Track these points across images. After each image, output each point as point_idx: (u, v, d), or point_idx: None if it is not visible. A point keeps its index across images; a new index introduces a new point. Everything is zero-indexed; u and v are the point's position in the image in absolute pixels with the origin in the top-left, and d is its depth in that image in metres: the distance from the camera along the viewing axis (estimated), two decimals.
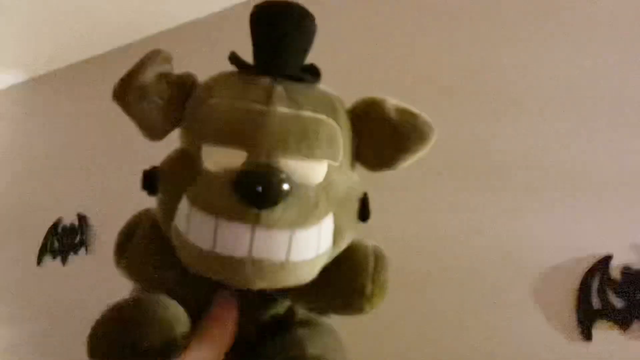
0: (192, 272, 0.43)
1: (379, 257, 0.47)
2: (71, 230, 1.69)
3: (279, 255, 0.41)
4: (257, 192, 0.40)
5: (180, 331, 0.42)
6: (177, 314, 0.43)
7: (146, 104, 0.44)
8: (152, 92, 0.44)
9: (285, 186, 0.41)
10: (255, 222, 0.40)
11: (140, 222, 0.49)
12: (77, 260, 1.65)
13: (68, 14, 1.35)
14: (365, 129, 0.47)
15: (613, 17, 0.95)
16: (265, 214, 0.40)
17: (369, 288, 0.46)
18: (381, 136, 0.46)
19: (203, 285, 0.45)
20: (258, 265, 0.41)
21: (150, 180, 0.46)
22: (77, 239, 1.67)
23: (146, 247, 0.48)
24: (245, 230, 0.40)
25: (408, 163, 0.47)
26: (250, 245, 0.40)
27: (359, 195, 0.47)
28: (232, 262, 0.41)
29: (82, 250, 1.64)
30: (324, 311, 0.49)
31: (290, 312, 0.48)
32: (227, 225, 0.40)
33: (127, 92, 0.44)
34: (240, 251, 0.40)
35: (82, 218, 1.67)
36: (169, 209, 0.44)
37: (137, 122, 0.45)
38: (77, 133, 1.77)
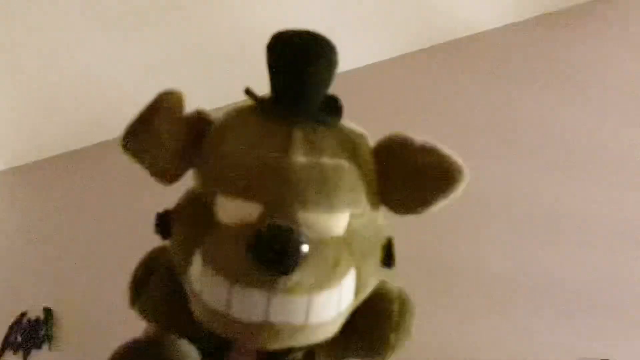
0: (205, 327, 0.42)
1: (403, 303, 0.46)
2: (36, 324, 1.63)
3: (297, 319, 0.40)
4: (275, 256, 0.38)
5: None
6: (188, 352, 0.44)
7: (158, 150, 0.43)
8: (165, 138, 0.43)
9: (305, 248, 0.39)
10: (271, 288, 0.39)
11: (157, 262, 0.48)
12: (39, 355, 1.59)
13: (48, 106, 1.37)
14: (390, 169, 0.45)
15: None
16: (282, 280, 0.39)
17: (393, 337, 0.46)
18: (406, 177, 0.44)
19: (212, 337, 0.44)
20: (276, 329, 0.40)
21: (164, 224, 0.45)
22: (42, 333, 1.62)
23: (162, 292, 0.47)
24: (262, 297, 0.39)
25: (436, 207, 0.44)
26: (267, 310, 0.39)
27: (383, 241, 0.46)
28: (248, 327, 0.40)
29: (46, 346, 1.59)
30: (345, 357, 0.49)
31: (310, 356, 0.48)
32: (243, 291, 0.39)
33: (136, 138, 0.42)
34: (256, 316, 0.40)
35: (48, 311, 1.63)
36: (182, 259, 0.44)
37: (148, 169, 0.45)
38: (46, 225, 1.76)
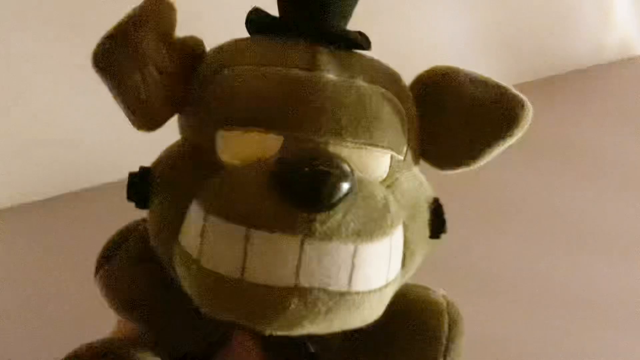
0: (205, 313, 0.31)
1: (454, 321, 0.37)
2: None
3: (338, 282, 0.29)
4: (309, 188, 0.28)
5: None
6: None
7: (140, 76, 0.32)
8: (149, 61, 0.32)
9: (349, 176, 0.29)
10: (306, 232, 0.28)
11: (135, 228, 0.38)
12: None
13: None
14: (434, 107, 0.35)
15: None
16: (320, 219, 0.28)
17: None
18: (455, 117, 0.35)
19: (207, 327, 0.34)
20: (309, 298, 0.28)
21: (139, 187, 0.33)
22: None
23: (134, 258, 0.37)
24: (292, 246, 0.28)
25: (492, 156, 0.35)
26: (298, 267, 0.28)
27: (430, 201, 0.35)
28: (270, 295, 0.28)
29: None
30: None
31: None
32: (266, 238, 0.28)
33: (115, 58, 0.31)
34: (284, 277, 0.28)
35: None
36: (170, 222, 0.32)
37: (124, 102, 0.32)
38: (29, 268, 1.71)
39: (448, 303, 0.38)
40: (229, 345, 0.34)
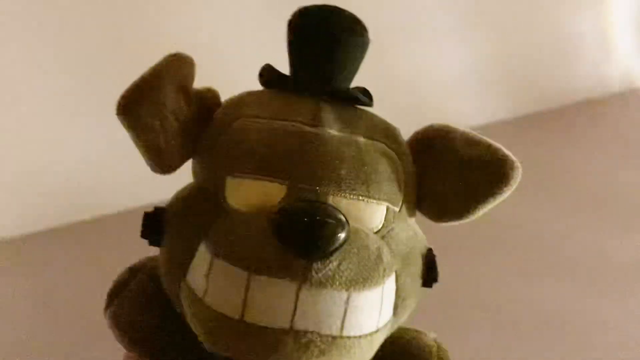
0: (208, 349, 0.33)
1: (442, 355, 0.39)
2: None
3: (331, 327, 0.31)
4: (307, 237, 0.30)
5: None
6: None
7: (159, 124, 0.35)
8: (168, 110, 0.35)
9: (345, 227, 0.31)
10: (302, 278, 0.30)
11: (144, 266, 0.40)
12: None
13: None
14: (430, 164, 0.37)
15: None
16: (316, 267, 0.30)
17: None
18: (449, 174, 0.36)
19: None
20: (303, 340, 0.30)
21: (153, 225, 0.36)
22: None
23: (143, 295, 0.39)
24: (289, 291, 0.30)
25: (483, 211, 0.37)
26: (294, 311, 0.30)
27: (423, 251, 0.37)
28: (267, 336, 0.30)
29: None
30: None
31: None
32: (265, 282, 0.30)
33: (138, 106, 0.34)
34: (280, 320, 0.30)
35: None
36: (179, 261, 0.34)
37: (144, 147, 0.35)
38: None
39: (438, 347, 0.40)
40: None
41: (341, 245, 0.31)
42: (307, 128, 0.34)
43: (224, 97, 0.39)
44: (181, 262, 0.34)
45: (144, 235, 0.36)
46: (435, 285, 0.38)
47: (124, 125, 0.34)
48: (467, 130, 0.37)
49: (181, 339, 0.36)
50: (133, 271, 0.40)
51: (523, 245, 0.81)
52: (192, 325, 0.33)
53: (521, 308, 0.72)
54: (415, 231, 0.38)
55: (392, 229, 0.35)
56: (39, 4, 0.77)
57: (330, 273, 0.30)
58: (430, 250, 0.38)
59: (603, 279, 0.78)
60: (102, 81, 0.73)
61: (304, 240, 0.30)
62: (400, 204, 0.36)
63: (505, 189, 0.35)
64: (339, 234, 0.31)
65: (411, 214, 0.38)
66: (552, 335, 0.70)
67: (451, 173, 0.36)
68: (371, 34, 0.38)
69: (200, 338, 0.33)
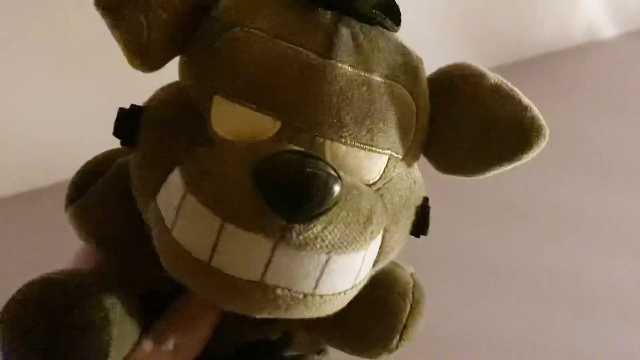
0: (171, 275, 0.30)
1: (417, 300, 0.37)
2: None
3: (304, 286, 0.28)
4: (293, 194, 0.26)
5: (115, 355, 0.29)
6: (122, 333, 0.30)
7: (144, 17, 0.30)
8: (156, 3, 0.30)
9: (336, 188, 0.27)
10: (280, 237, 0.27)
11: (114, 159, 0.36)
12: None
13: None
14: (449, 110, 0.33)
15: None
16: (298, 229, 0.27)
17: (395, 341, 0.36)
18: (468, 125, 0.33)
19: None
20: (271, 294, 0.28)
21: (128, 124, 0.32)
22: None
23: (112, 191, 0.35)
24: (263, 247, 0.27)
25: (493, 173, 0.34)
26: (266, 267, 0.27)
27: (419, 200, 0.34)
28: (233, 285, 0.28)
29: None
30: (325, 344, 0.39)
31: (284, 339, 0.37)
32: (238, 234, 0.27)
33: (120, 1, 0.29)
34: (250, 272, 0.28)
35: None
36: (150, 177, 0.31)
37: (125, 42, 0.31)
38: None
39: (413, 279, 0.38)
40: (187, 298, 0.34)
41: (329, 209, 0.27)
42: (315, 58, 0.30)
43: None
44: (152, 180, 0.30)
45: (116, 133, 0.32)
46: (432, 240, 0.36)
47: (101, 16, 0.30)
48: (499, 78, 0.33)
49: (148, 243, 0.32)
50: (101, 166, 0.36)
51: (486, 195, 0.80)
52: (157, 250, 0.30)
53: (517, 267, 0.71)
54: (415, 179, 0.34)
55: (391, 179, 0.32)
56: None
57: (311, 236, 0.27)
58: (426, 199, 0.35)
59: (573, 227, 0.78)
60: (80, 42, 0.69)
61: (288, 199, 0.26)
62: (405, 151, 0.32)
63: (524, 155, 0.32)
64: (329, 197, 0.27)
65: (416, 158, 0.35)
66: (558, 295, 0.70)
67: (470, 126, 0.33)
68: None
69: (164, 266, 0.30)
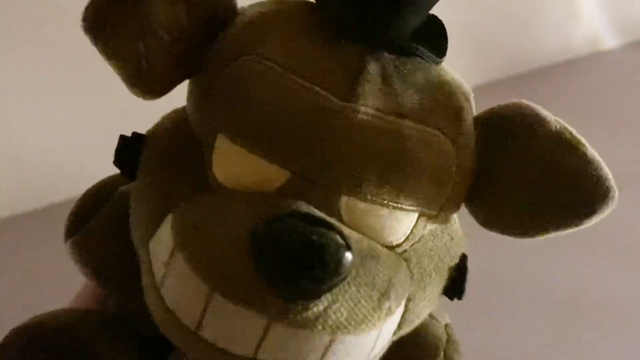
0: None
1: (451, 357, 0.33)
2: None
3: None
4: (294, 266, 0.22)
5: None
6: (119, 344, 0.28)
7: (142, 45, 0.26)
8: (155, 23, 0.26)
9: (347, 258, 0.23)
10: (276, 316, 0.23)
11: (113, 189, 0.34)
12: None
13: None
14: (497, 160, 0.28)
15: None
16: (296, 310, 0.23)
17: None
18: (522, 183, 0.27)
19: None
20: None
21: (129, 154, 0.29)
22: None
23: (112, 226, 0.32)
24: (256, 325, 0.23)
25: (555, 234, 0.28)
26: (260, 343, 0.23)
27: (455, 260, 0.29)
28: (222, 356, 0.24)
29: None
30: None
31: None
32: (228, 307, 0.23)
33: (111, 19, 0.25)
34: (241, 347, 0.24)
35: None
36: (146, 220, 0.28)
37: (122, 69, 0.27)
38: None
39: (448, 339, 0.34)
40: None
41: (334, 285, 0.23)
42: (334, 101, 0.25)
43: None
44: (149, 222, 0.27)
45: (117, 162, 0.29)
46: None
47: (91, 42, 0.26)
48: (562, 122, 0.28)
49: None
50: (101, 196, 0.34)
51: None
52: (146, 298, 0.27)
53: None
54: (452, 234, 0.30)
55: (421, 239, 0.28)
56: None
57: (312, 317, 0.23)
58: (463, 258, 0.30)
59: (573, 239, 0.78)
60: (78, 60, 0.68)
61: (288, 274, 0.22)
62: (439, 206, 0.27)
63: (587, 221, 0.27)
64: (334, 272, 0.23)
65: (453, 212, 0.29)
66: (566, 313, 0.69)
67: (527, 180, 0.27)
68: None
69: (152, 315, 0.26)
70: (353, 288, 0.24)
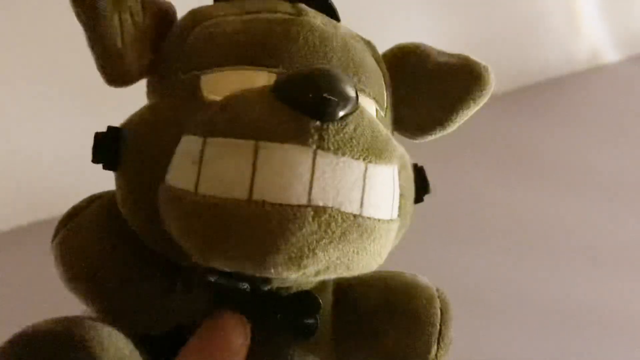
0: (197, 260, 0.27)
1: (446, 307, 0.35)
2: None
3: (352, 204, 0.26)
4: (320, 96, 0.26)
5: None
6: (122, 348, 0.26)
7: (117, 19, 0.29)
8: (128, 6, 0.30)
9: (354, 93, 0.27)
10: (319, 142, 0.25)
11: (104, 194, 0.34)
12: None
13: None
14: (403, 78, 0.36)
15: None
16: (333, 128, 0.26)
17: (433, 351, 0.34)
18: (425, 85, 0.36)
19: (179, 306, 0.30)
20: (323, 217, 0.25)
21: (109, 146, 0.30)
22: None
23: (100, 223, 0.32)
24: (305, 158, 0.25)
25: (461, 118, 0.36)
26: (311, 183, 0.25)
27: (410, 163, 0.33)
28: (281, 215, 0.25)
29: None
30: None
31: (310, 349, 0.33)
32: (277, 150, 0.25)
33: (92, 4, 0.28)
34: (296, 194, 0.25)
35: None
36: (152, 169, 0.28)
37: (101, 46, 0.30)
38: None
39: (437, 287, 0.36)
40: (208, 324, 0.30)
41: (355, 108, 0.27)
42: (290, 16, 0.32)
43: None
44: (155, 170, 0.28)
45: (96, 158, 0.30)
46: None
47: (77, 16, 0.29)
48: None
49: (142, 279, 0.30)
50: (88, 200, 0.34)
51: (492, 223, 0.80)
52: (179, 235, 0.27)
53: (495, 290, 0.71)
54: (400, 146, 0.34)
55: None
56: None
57: (347, 137, 0.26)
58: (415, 164, 0.34)
59: (574, 250, 0.78)
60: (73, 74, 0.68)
61: (317, 100, 0.26)
62: (385, 108, 0.34)
63: (481, 91, 0.34)
64: (353, 96, 0.27)
65: (393, 127, 0.36)
66: (543, 320, 0.70)
67: (426, 82, 0.36)
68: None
69: (189, 246, 0.27)
70: (367, 119, 0.27)
